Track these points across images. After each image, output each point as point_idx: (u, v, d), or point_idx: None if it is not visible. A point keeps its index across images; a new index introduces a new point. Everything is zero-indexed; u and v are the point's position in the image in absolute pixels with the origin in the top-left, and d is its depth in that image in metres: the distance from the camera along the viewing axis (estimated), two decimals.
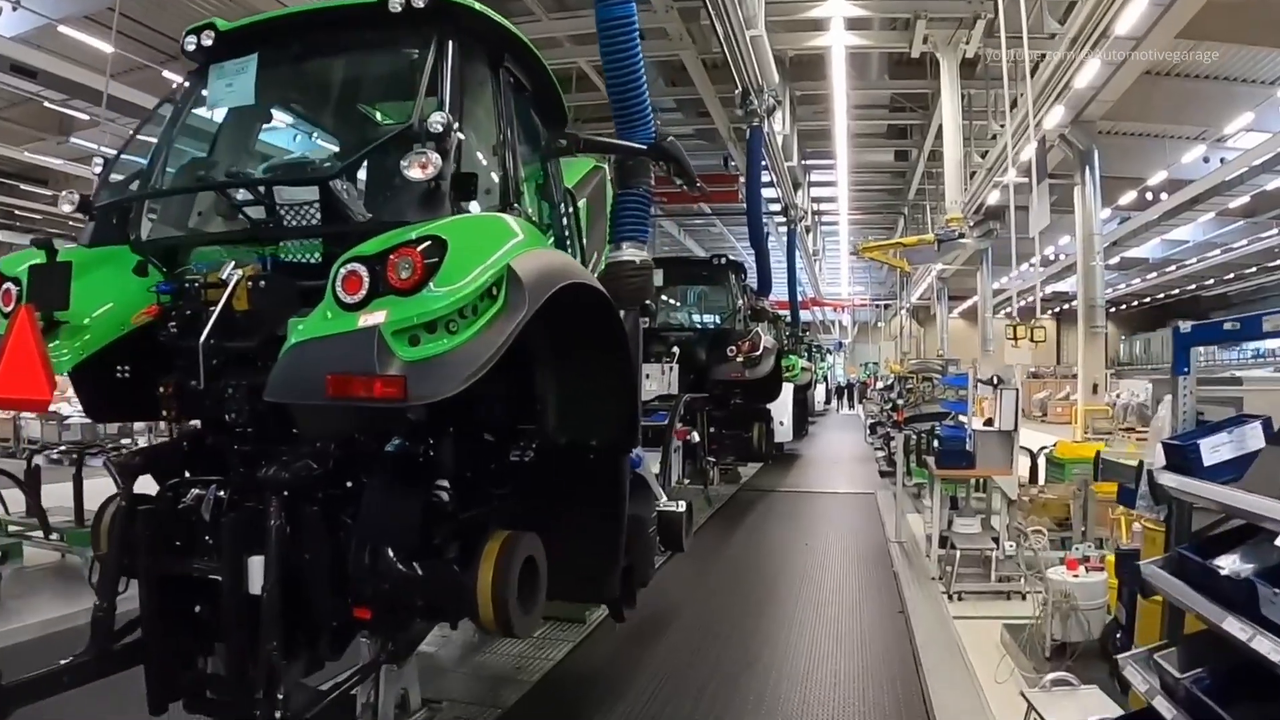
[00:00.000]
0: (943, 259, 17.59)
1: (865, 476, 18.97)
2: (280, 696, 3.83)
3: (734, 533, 12.73)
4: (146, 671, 4.29)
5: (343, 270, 3.62)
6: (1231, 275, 52.05)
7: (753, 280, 17.16)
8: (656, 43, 17.28)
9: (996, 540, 9.48)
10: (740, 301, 14.32)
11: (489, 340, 3.59)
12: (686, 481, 11.80)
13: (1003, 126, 19.06)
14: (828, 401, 46.31)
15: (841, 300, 48.91)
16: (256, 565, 3.95)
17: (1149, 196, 33.61)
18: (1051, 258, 49.28)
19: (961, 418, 11.90)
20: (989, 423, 10.92)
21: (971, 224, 17.79)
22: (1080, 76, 17.83)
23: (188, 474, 4.62)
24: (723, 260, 14.61)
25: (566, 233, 5.95)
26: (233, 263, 4.35)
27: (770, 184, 25.24)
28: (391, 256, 3.57)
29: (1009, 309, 62.97)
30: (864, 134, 25.61)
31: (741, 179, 21.44)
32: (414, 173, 4.00)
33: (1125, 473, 5.14)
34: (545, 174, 5.93)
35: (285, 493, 4.06)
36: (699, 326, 14.83)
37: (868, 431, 26.72)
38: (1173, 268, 50.15)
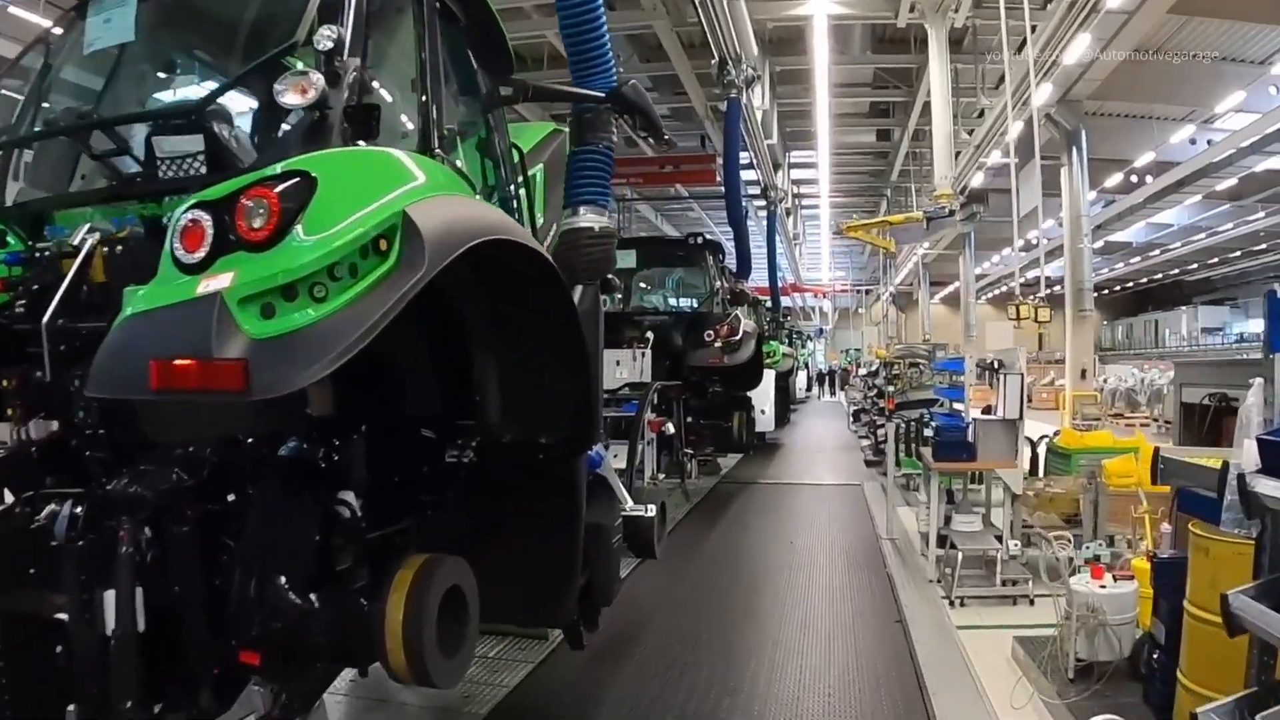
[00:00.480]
0: (930, 239, 16.72)
1: (851, 466, 18.15)
2: None
3: (713, 530, 11.85)
4: None
5: (181, 220, 2.72)
6: (1215, 260, 51.51)
7: (732, 263, 16.32)
8: (629, 13, 16.38)
9: (999, 539, 8.68)
10: (718, 283, 13.45)
11: (367, 311, 2.69)
12: (662, 476, 10.92)
13: (992, 99, 18.26)
14: (809, 388, 45.57)
15: (822, 286, 48.09)
16: (111, 601, 3.04)
17: (1134, 179, 32.99)
18: (1035, 242, 48.79)
19: (957, 405, 11.06)
20: (988, 410, 10.11)
21: (960, 203, 16.92)
22: (1070, 52, 17.09)
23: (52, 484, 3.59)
24: (699, 240, 13.74)
25: (514, 197, 5.08)
26: (88, 226, 3.47)
27: (750, 166, 24.40)
28: (242, 199, 2.68)
29: (1012, 289, 62.73)
30: (846, 113, 24.76)
31: (718, 157, 20.69)
32: (290, 98, 3.12)
33: (1194, 475, 4.24)
34: (487, 127, 5.04)
35: (146, 511, 3.14)
36: (675, 310, 13.95)
37: (851, 419, 25.95)
38: (1156, 252, 49.51)
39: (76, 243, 3.39)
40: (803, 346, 41.75)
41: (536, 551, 4.64)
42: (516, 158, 5.35)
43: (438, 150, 4.00)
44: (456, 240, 3.01)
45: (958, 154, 21.08)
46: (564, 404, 4.46)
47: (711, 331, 12.41)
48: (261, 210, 2.64)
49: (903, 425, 14.09)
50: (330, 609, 3.42)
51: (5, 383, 3.55)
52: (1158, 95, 26.54)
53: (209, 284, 2.58)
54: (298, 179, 2.73)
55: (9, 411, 3.64)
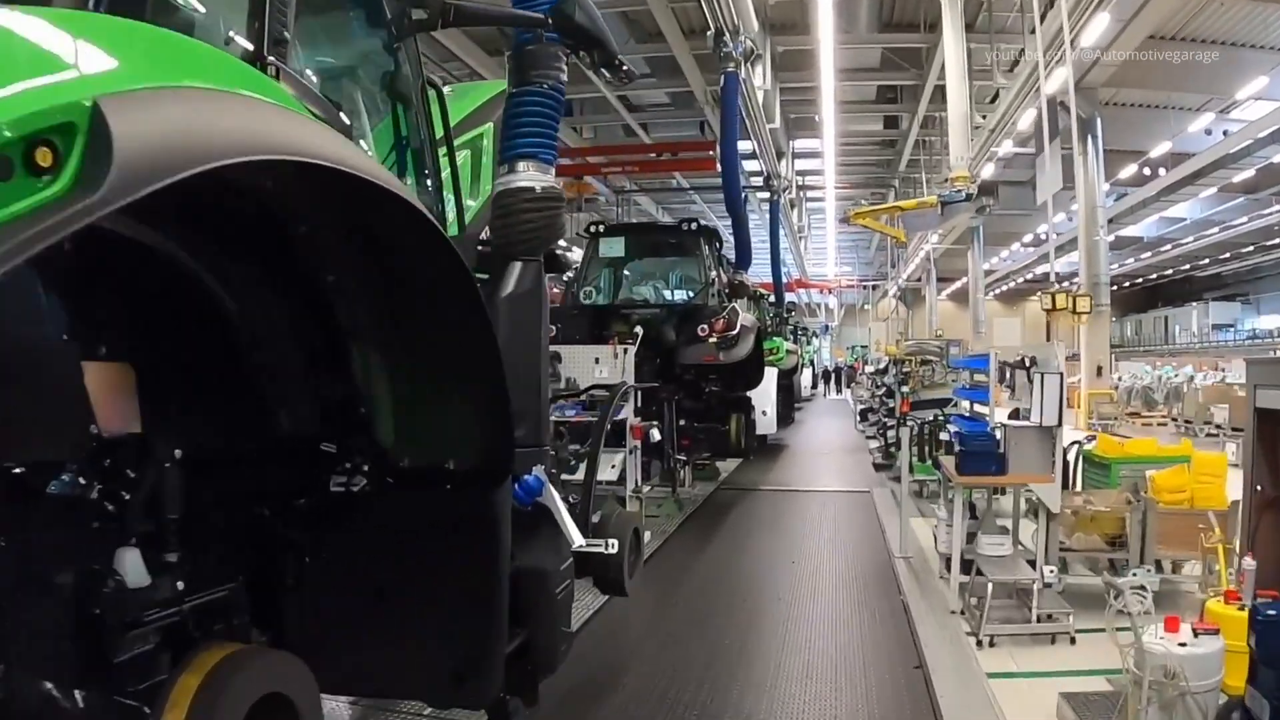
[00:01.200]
0: (944, 226, 15.47)
1: (858, 470, 16.91)
2: None
3: (706, 546, 10.62)
4: None
5: None
6: (1227, 255, 50.14)
7: (731, 253, 15.07)
8: None
9: (1031, 564, 7.45)
10: (714, 273, 12.22)
11: None
12: (648, 488, 9.69)
13: (1009, 79, 17.03)
14: (814, 386, 44.29)
15: (828, 281, 46.81)
16: None
17: (1147, 171, 31.81)
18: (1043, 237, 47.56)
19: (980, 408, 9.83)
20: (1015, 415, 8.87)
21: (976, 186, 15.66)
22: (1088, 33, 15.92)
23: None
24: (694, 226, 12.48)
25: (427, 152, 3.90)
26: None
27: (752, 155, 23.13)
28: None
29: (1020, 285, 61.48)
30: (852, 100, 23.49)
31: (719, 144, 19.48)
32: None
33: None
34: (395, 61, 3.90)
35: None
36: (667, 303, 12.70)
37: (858, 418, 24.71)
38: (1168, 247, 48.14)
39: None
40: (808, 343, 40.49)
41: (445, 611, 3.40)
42: (437, 106, 4.15)
43: (270, 59, 2.75)
44: (191, 156, 1.71)
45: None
46: (476, 418, 3.23)
47: (705, 326, 11.19)
48: None
49: (914, 427, 12.93)
50: None
51: None
52: (1174, 83, 25.28)
53: None
54: None
55: None
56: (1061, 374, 7.39)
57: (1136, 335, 68.03)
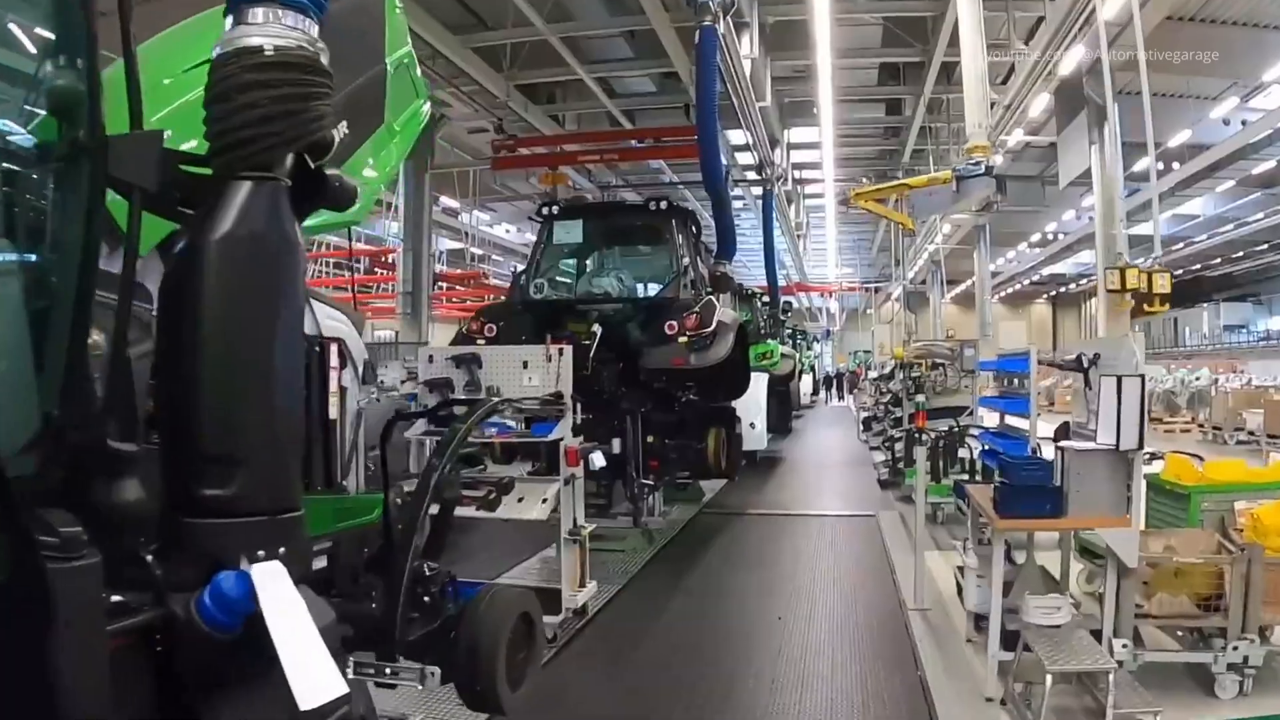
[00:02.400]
0: (958, 208, 13.41)
1: (862, 488, 14.78)
2: None
3: (674, 593, 8.51)
4: None
5: None
6: (1240, 253, 47.97)
7: (714, 242, 12.95)
8: None
9: (1096, 635, 5.41)
10: (689, 262, 10.06)
11: None
12: (593, 526, 7.53)
13: (1030, 50, 14.91)
14: (815, 393, 42.15)
15: (829, 284, 44.60)
16: None
17: (1160, 166, 29.73)
18: (1050, 237, 45.61)
19: (1017, 422, 7.72)
20: (1063, 432, 6.80)
21: (997, 158, 13.47)
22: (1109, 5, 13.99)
23: None
24: (663, 205, 10.33)
25: None
26: None
27: (746, 146, 21.02)
28: None
29: (1025, 287, 59.31)
30: (851, 85, 21.36)
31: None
32: None
33: None
34: None
35: None
36: (632, 297, 10.56)
37: (860, 427, 22.63)
38: (1180, 245, 45.90)
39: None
40: (808, 348, 38.34)
41: None
42: None
43: None
44: None
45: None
46: None
47: (674, 323, 9.07)
48: None
49: (924, 439, 10.93)
50: None
51: None
52: (1192, 67, 23.20)
53: None
54: None
55: None
56: (1142, 378, 5.26)
57: (1145, 337, 65.86)
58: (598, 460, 7.06)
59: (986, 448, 7.51)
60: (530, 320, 9.91)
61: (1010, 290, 61.81)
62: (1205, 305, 59.10)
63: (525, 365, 7.31)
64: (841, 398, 46.23)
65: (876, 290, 48.06)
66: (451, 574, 4.07)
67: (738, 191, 27.40)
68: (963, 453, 10.83)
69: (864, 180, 16.06)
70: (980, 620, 6.38)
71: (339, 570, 3.34)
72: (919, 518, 8.12)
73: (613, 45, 19.50)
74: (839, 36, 17.15)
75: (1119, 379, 5.09)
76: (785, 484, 15.62)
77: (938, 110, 21.43)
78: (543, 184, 18.82)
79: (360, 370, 4.88)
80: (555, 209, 10.67)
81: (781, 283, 36.97)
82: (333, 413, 4.39)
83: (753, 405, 13.36)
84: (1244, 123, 26.75)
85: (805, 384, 33.31)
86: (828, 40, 15.91)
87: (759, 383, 14.19)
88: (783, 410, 19.96)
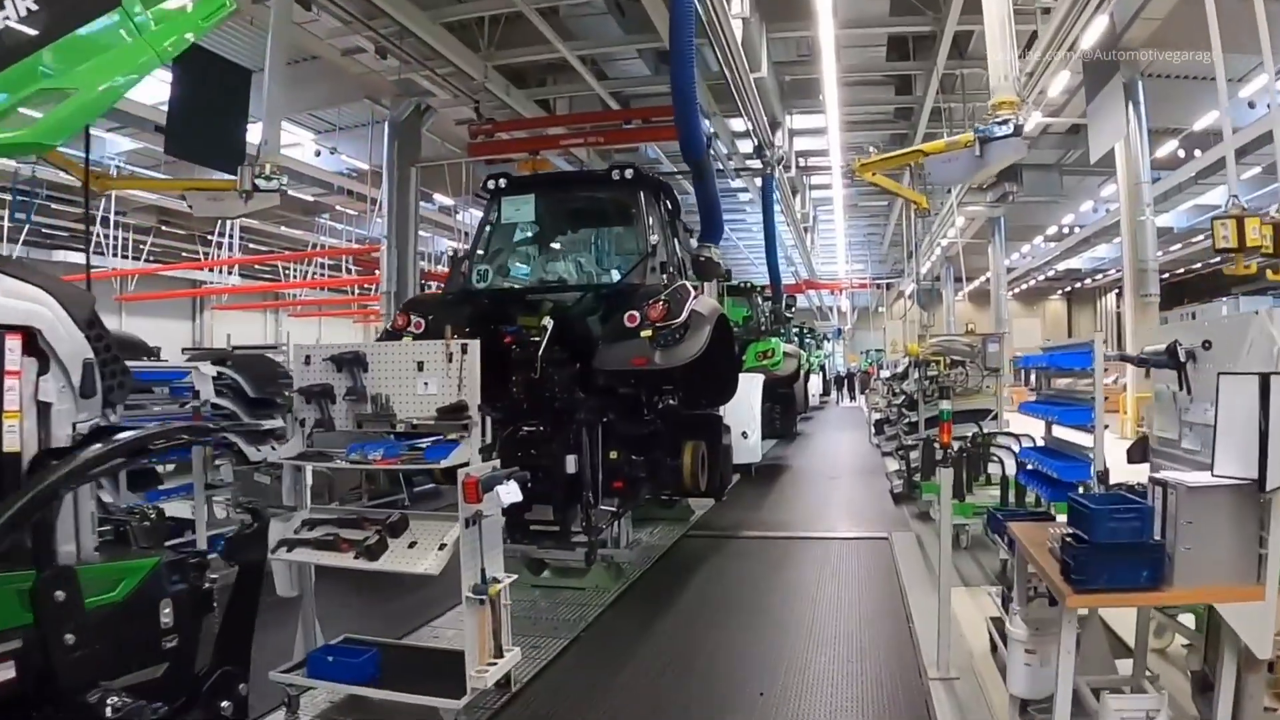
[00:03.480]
0: (982, 175, 11.53)
1: (873, 501, 12.93)
2: None
3: (632, 655, 6.66)
4: None
5: None
6: None
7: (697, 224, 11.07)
8: None
9: None
10: (657, 239, 8.14)
11: None
12: (502, 582, 5.67)
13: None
14: (826, 393, 40.19)
15: (838, 281, 42.57)
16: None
17: (1181, 153, 27.75)
18: (1065, 230, 43.51)
19: (1071, 436, 5.83)
20: (1139, 451, 4.95)
21: (1027, 115, 11.50)
22: None
23: None
24: (628, 174, 8.44)
25: None
26: None
27: (746, 134, 19.14)
28: None
29: (1039, 284, 57.00)
30: (857, 64, 19.44)
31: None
32: None
33: None
34: None
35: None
36: (593, 284, 8.65)
37: (872, 430, 20.73)
38: (1201, 238, 43.57)
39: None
40: (817, 347, 36.39)
41: None
42: None
43: None
44: None
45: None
46: None
47: (635, 313, 7.22)
48: None
49: (939, 449, 9.10)
50: None
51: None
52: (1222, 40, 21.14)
53: None
54: None
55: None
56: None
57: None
58: (507, 494, 5.21)
59: (1029, 466, 5.65)
60: (469, 313, 8.12)
61: (1024, 286, 59.49)
62: (1224, 300, 56.77)
63: (420, 367, 5.48)
64: (853, 398, 44.29)
65: (888, 287, 46.01)
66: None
67: (739, 183, 25.52)
68: (999, 469, 8.96)
69: (871, 150, 14.11)
70: (1029, 708, 4.59)
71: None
72: (943, 554, 6.22)
73: (601, 23, 17.71)
74: (843, 6, 15.28)
75: (1266, 378, 3.20)
76: (786, 498, 13.71)
77: (951, 88, 19.49)
78: (521, 171, 16.97)
79: (77, 377, 3.13)
80: (503, 182, 8.82)
81: (789, 280, 35.18)
82: (8, 442, 2.82)
83: (744, 411, 11.51)
84: (1269, 106, 24.67)
85: (814, 385, 31.37)
86: (830, 6, 13.99)
87: (752, 385, 12.32)
88: (787, 414, 18.04)
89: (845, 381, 47.15)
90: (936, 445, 8.13)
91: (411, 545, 5.37)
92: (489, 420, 5.45)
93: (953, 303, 43.97)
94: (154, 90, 14.34)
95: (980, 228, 38.81)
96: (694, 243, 10.00)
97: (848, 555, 9.71)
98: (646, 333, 7.18)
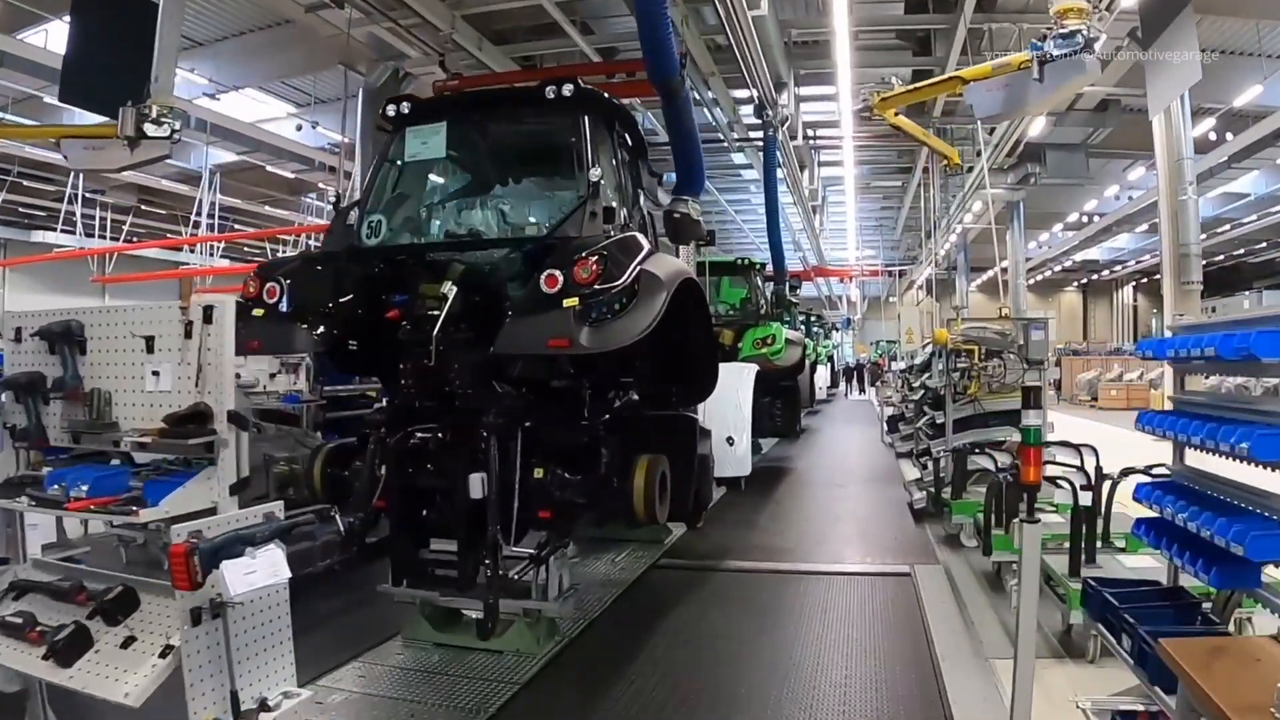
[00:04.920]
0: (1040, 106, 9.10)
1: (889, 519, 10.57)
2: None
3: None
4: None
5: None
6: None
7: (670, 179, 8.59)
8: None
9: None
10: (599, 176, 5.68)
11: None
12: (272, 712, 3.36)
13: None
14: (834, 385, 37.68)
15: (849, 268, 39.95)
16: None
17: (1213, 137, 25.28)
18: (1085, 220, 40.97)
19: (1243, 475, 3.44)
20: None
21: (1102, 29, 8.99)
22: None
23: None
24: (566, 91, 6.03)
25: None
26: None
27: (750, 99, 16.69)
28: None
29: (1054, 274, 54.33)
30: (871, 19, 16.95)
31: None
32: None
33: None
34: None
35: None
36: (515, 237, 6.21)
37: (885, 427, 18.36)
38: (1226, 227, 40.95)
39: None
40: (825, 337, 33.87)
41: None
42: None
43: None
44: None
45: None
46: None
47: (556, 274, 4.87)
48: None
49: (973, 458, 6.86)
50: None
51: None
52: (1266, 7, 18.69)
53: None
54: None
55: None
56: None
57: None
58: (244, 574, 2.89)
59: (1159, 513, 3.35)
60: (347, 278, 5.80)
61: (1039, 278, 56.90)
62: (1246, 294, 54.12)
63: (150, 346, 3.14)
64: (863, 390, 41.79)
65: (900, 275, 43.33)
66: None
67: (741, 158, 23.08)
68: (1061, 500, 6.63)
69: (894, 81, 11.51)
70: None
71: None
72: (1019, 681, 3.83)
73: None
74: None
75: None
76: (784, 513, 11.27)
77: (977, 48, 17.02)
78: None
79: None
80: (406, 107, 6.45)
81: (796, 266, 32.58)
82: None
83: (730, 411, 9.14)
84: None
85: (821, 376, 28.91)
86: None
87: (741, 378, 9.93)
88: (789, 410, 15.59)
89: (854, 373, 44.62)
90: (1007, 477, 5.82)
91: (127, 644, 3.06)
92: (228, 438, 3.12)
93: (966, 292, 41.49)
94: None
95: (997, 214, 36.29)
96: (666, 196, 7.62)
97: (858, 598, 7.34)
98: (571, 301, 4.84)
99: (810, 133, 21.51)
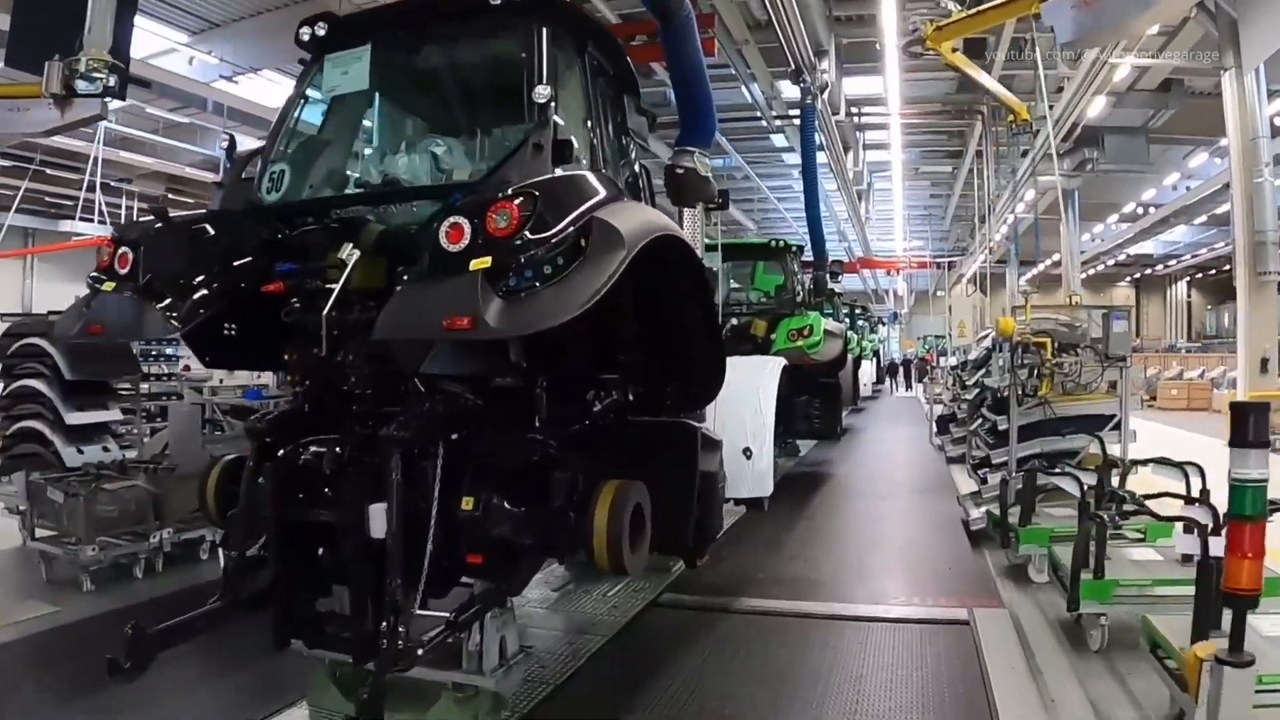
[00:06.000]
0: (1135, 27, 7.38)
1: (942, 542, 8.85)
2: None
3: None
4: None
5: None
6: None
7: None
8: None
9: None
10: (546, 95, 4.08)
11: None
12: None
13: None
14: (880, 381, 35.67)
15: (896, 259, 37.88)
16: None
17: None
18: (1141, 211, 38.65)
19: None
20: None
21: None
22: None
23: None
24: None
25: None
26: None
27: (784, 74, 15.00)
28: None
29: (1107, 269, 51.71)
30: None
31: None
32: None
33: None
34: None
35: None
36: (441, 185, 4.60)
37: (933, 428, 16.58)
38: None
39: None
40: (871, 331, 31.97)
41: None
42: None
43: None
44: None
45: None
46: None
47: (460, 224, 3.27)
48: None
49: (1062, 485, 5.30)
50: None
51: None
52: None
53: None
54: None
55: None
56: None
57: (1236, 325, 57.99)
58: None
59: None
60: (227, 244, 4.28)
61: (1090, 272, 54.30)
62: None
63: None
64: (909, 387, 39.79)
65: (949, 267, 41.15)
66: None
67: (781, 140, 21.34)
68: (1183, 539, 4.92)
69: (951, 5, 9.71)
70: None
71: None
72: None
73: None
74: None
75: None
76: (817, 531, 9.57)
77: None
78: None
79: None
80: (323, 29, 4.89)
81: (841, 256, 30.57)
82: None
83: (748, 416, 7.43)
84: None
85: (866, 372, 27.04)
86: None
87: (763, 375, 8.20)
88: (829, 410, 13.82)
89: (900, 369, 42.56)
90: (1114, 519, 4.18)
91: None
92: None
93: (1017, 286, 39.27)
94: None
95: (1048, 205, 34.13)
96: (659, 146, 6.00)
97: (904, 655, 5.67)
98: (480, 262, 3.25)
99: (854, 110, 19.74)
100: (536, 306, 3.22)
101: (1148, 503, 5.60)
